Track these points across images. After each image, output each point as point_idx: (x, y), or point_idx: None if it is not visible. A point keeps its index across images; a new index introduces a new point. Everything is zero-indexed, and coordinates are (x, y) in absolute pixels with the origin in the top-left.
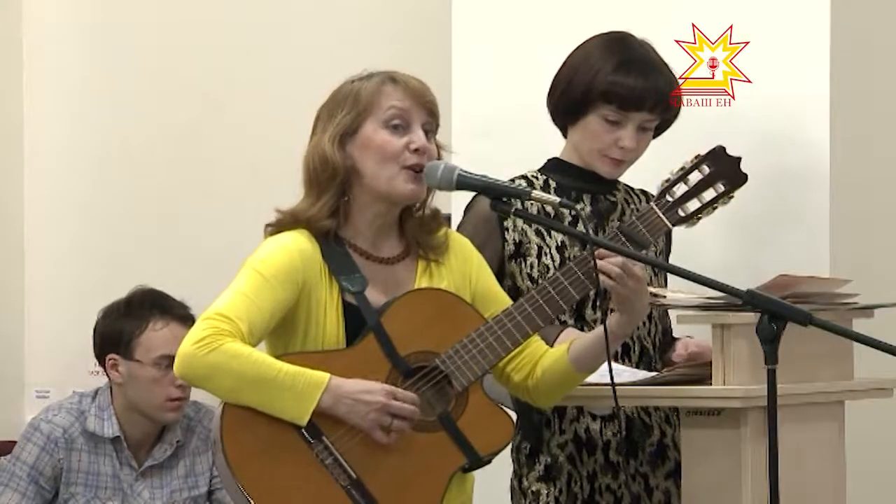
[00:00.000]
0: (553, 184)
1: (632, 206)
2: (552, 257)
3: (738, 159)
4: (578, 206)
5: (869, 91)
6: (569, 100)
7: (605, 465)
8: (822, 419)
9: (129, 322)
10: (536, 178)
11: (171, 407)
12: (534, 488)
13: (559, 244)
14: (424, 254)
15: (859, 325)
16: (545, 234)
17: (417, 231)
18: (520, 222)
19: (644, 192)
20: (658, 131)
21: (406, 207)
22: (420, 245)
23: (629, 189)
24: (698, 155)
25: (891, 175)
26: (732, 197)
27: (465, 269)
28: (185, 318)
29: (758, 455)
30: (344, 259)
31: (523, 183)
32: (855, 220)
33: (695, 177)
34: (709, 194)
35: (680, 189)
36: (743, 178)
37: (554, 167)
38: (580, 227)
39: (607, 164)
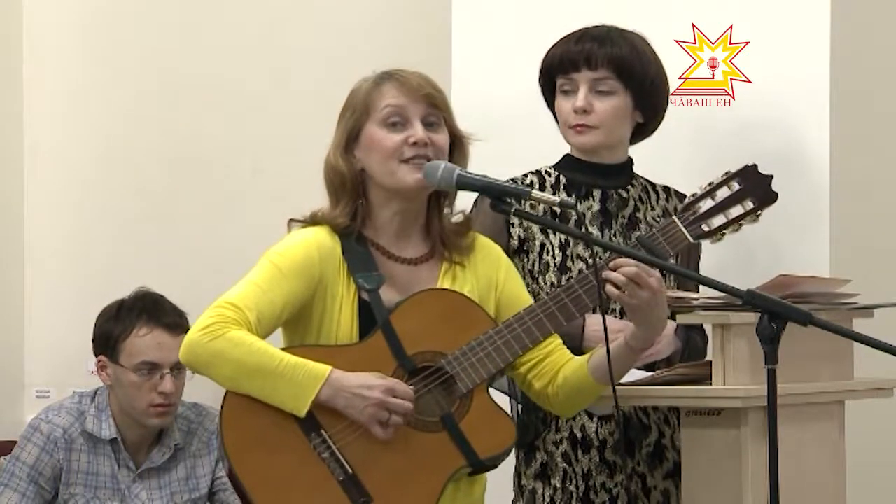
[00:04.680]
0: (564, 180)
1: (646, 204)
2: (553, 255)
3: (770, 178)
4: (582, 206)
5: (869, 91)
6: (542, 92)
7: (599, 464)
8: (822, 419)
9: (117, 325)
10: (549, 173)
11: (155, 413)
12: (531, 486)
13: (563, 241)
14: (449, 256)
15: (859, 325)
16: (550, 231)
17: (445, 233)
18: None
19: (666, 189)
20: (647, 130)
21: (434, 208)
22: (446, 247)
23: (649, 185)
24: (728, 171)
25: (891, 175)
26: (760, 215)
27: (491, 274)
28: (173, 325)
29: (758, 455)
30: (364, 257)
31: (535, 179)
32: (855, 220)
33: (723, 193)
34: (735, 211)
35: (706, 204)
36: (773, 197)
37: (566, 163)
38: (588, 229)
39: (573, 134)
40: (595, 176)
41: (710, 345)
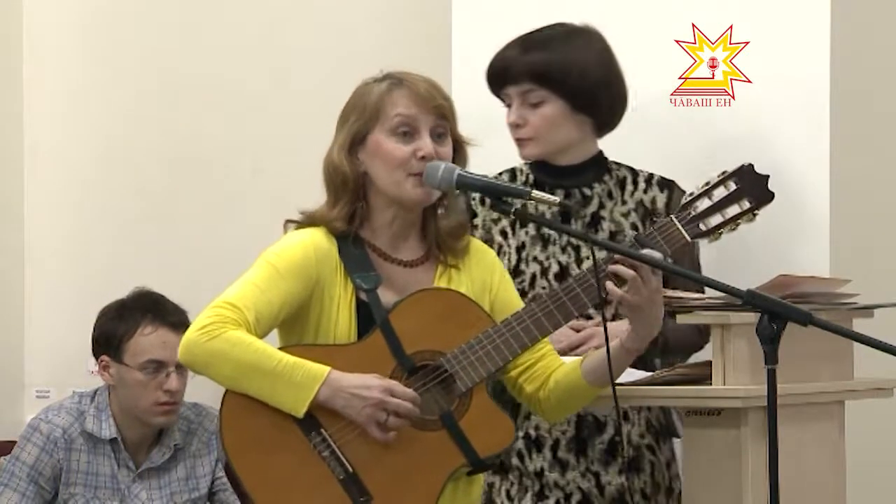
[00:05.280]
0: (532, 179)
1: (615, 200)
2: (509, 257)
3: (766, 177)
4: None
5: (869, 91)
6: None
7: (552, 462)
8: (822, 419)
9: (121, 325)
10: (521, 170)
11: (160, 411)
12: (489, 480)
13: (520, 244)
14: (444, 258)
15: (859, 325)
16: (509, 233)
17: (441, 236)
18: (487, 221)
19: (649, 178)
20: (605, 125)
21: (430, 211)
22: (441, 249)
23: (630, 175)
24: (724, 171)
25: (891, 175)
26: (757, 214)
27: (485, 277)
28: (177, 324)
29: (758, 455)
30: (361, 258)
31: (506, 177)
32: (855, 220)
33: (719, 192)
34: (732, 210)
35: (703, 203)
36: (770, 197)
37: (537, 163)
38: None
39: (518, 147)
40: (557, 176)
41: (710, 344)
